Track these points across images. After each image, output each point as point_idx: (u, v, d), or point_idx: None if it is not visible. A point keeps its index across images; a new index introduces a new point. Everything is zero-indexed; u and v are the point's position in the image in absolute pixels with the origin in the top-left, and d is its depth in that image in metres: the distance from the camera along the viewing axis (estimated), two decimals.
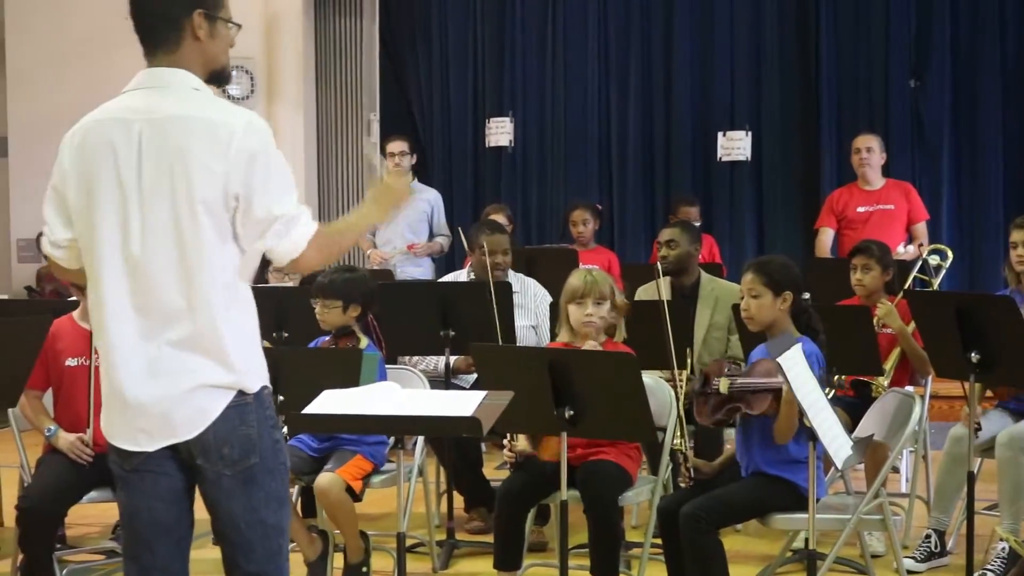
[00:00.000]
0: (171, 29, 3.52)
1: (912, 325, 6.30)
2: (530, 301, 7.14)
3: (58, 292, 10.46)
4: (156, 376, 3.45)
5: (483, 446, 7.02)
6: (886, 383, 6.33)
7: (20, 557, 5.36)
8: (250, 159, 3.42)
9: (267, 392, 3.58)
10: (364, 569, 5.68)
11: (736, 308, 5.75)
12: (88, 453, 5.51)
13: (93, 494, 5.51)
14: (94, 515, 6.59)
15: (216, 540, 3.65)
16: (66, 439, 5.53)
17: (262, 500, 3.54)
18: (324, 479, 5.58)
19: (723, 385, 5.01)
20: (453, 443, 6.46)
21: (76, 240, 3.55)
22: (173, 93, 3.50)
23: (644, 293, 6.95)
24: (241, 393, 3.49)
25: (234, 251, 3.49)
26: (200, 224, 3.41)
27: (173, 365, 3.45)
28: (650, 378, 5.40)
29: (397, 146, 9.93)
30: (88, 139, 3.51)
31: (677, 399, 5.52)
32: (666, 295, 5.91)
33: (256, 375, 3.55)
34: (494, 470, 7.31)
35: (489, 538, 5.80)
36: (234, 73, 11.53)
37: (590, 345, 5.40)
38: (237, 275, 3.51)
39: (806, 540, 4.92)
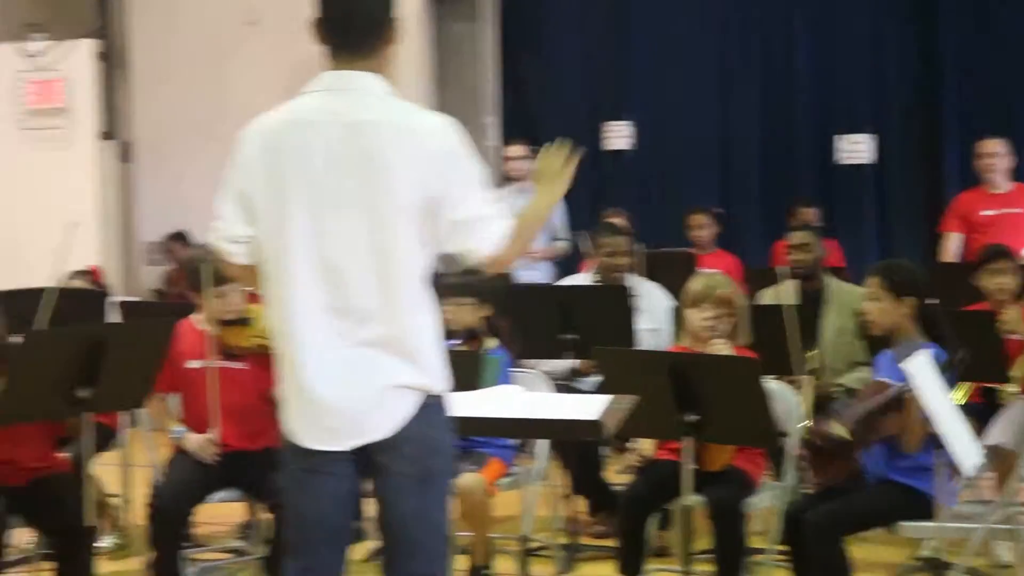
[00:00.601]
0: (378, 32, 3.59)
1: None
2: (651, 305, 7.12)
3: (183, 295, 10.60)
4: (349, 376, 3.49)
5: (605, 450, 7.01)
6: (1015, 390, 6.22)
7: (150, 555, 5.44)
8: (445, 161, 3.48)
9: (449, 395, 3.62)
10: (487, 572, 5.70)
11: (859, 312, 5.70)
12: (215, 453, 5.58)
13: (221, 493, 5.60)
14: (222, 514, 6.67)
15: (380, 537, 3.67)
16: (194, 440, 5.60)
17: (434, 501, 3.58)
18: (469, 479, 5.56)
19: (842, 430, 4.93)
20: (576, 447, 6.46)
21: (255, 238, 3.57)
22: (365, 97, 3.54)
23: (769, 297, 6.90)
24: (429, 395, 3.53)
25: (426, 254, 3.53)
26: (398, 229, 3.45)
27: (367, 365, 3.48)
28: (774, 383, 5.36)
29: (515, 150, 9.97)
30: (277, 139, 3.54)
31: (802, 404, 5.47)
32: (793, 299, 5.87)
33: (443, 377, 3.59)
34: (615, 474, 7.30)
35: (612, 542, 5.79)
36: None
37: (713, 348, 5.37)
38: (426, 278, 3.55)
39: (934, 549, 4.86)
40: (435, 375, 3.57)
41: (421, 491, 3.54)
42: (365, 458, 3.55)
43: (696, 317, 5.48)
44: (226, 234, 3.61)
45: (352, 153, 3.46)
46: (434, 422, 3.55)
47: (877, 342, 5.54)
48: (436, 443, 3.56)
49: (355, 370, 3.49)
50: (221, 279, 5.44)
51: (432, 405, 3.55)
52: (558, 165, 3.78)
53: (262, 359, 5.46)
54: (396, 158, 3.44)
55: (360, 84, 3.54)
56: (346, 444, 3.53)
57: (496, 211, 3.55)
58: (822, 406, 5.53)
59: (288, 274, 3.51)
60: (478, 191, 3.54)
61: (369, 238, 3.45)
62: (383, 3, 3.60)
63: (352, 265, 3.47)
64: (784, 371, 5.74)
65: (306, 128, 3.51)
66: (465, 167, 3.53)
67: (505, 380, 5.50)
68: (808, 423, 5.24)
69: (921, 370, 4.61)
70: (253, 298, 5.70)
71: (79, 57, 11.20)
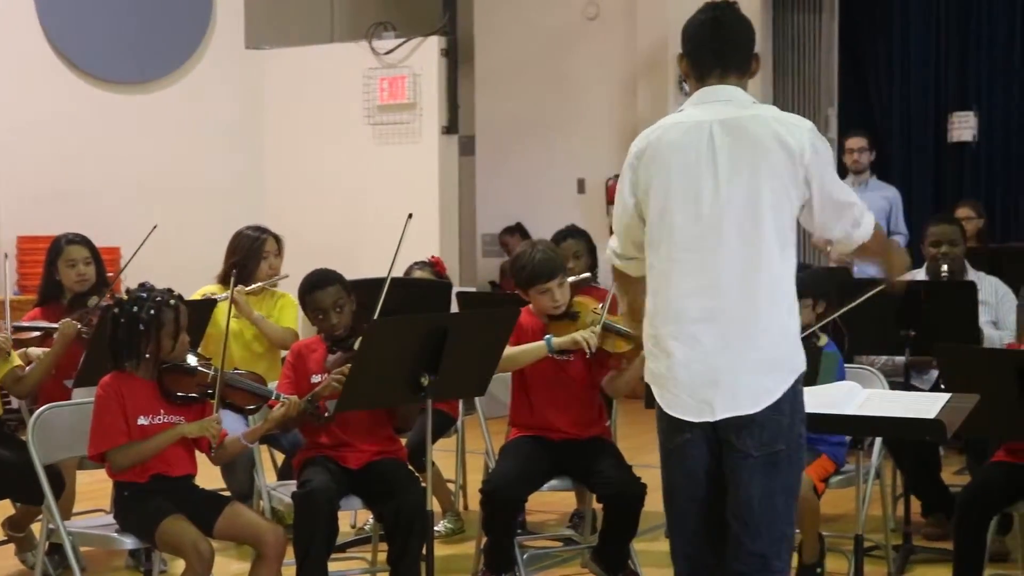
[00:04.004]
0: (747, 60, 3.98)
1: None
2: (991, 297, 6.88)
3: None
4: (713, 352, 3.77)
5: (940, 449, 6.82)
6: None
7: (483, 539, 5.56)
8: (817, 154, 3.81)
9: (801, 385, 3.82)
10: (819, 570, 5.63)
11: None
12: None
13: (553, 482, 5.62)
14: (553, 503, 6.78)
15: (727, 517, 3.84)
16: None
17: (778, 487, 3.79)
18: None
19: None
20: (911, 446, 6.31)
21: (639, 259, 4.01)
22: (739, 104, 3.89)
23: None
24: (785, 383, 3.76)
25: (791, 245, 3.84)
26: (770, 213, 3.78)
27: (734, 345, 3.76)
28: None
29: (856, 142, 9.78)
30: (658, 142, 3.90)
31: None
32: None
33: (799, 367, 3.82)
34: (952, 475, 7.10)
35: (947, 545, 5.64)
36: None
37: None
38: (790, 269, 3.85)
39: None
40: (792, 365, 3.81)
41: (766, 475, 3.75)
42: (717, 436, 3.79)
43: None
44: (616, 251, 4.13)
45: (733, 142, 3.80)
46: (784, 410, 3.75)
47: None
48: (783, 430, 3.76)
49: (720, 349, 3.76)
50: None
51: (787, 393, 3.76)
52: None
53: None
54: (772, 144, 3.78)
55: (730, 94, 3.91)
56: (720, 415, 3.76)
57: (865, 207, 3.96)
58: None
59: (666, 259, 3.86)
60: (841, 183, 3.95)
61: (740, 224, 3.78)
62: (752, 35, 4.01)
63: (722, 247, 3.79)
64: None
65: (686, 128, 3.86)
66: (830, 161, 3.89)
67: (841, 376, 5.43)
68: None
69: None
70: (580, 292, 5.76)
71: (425, 54, 11.48)
